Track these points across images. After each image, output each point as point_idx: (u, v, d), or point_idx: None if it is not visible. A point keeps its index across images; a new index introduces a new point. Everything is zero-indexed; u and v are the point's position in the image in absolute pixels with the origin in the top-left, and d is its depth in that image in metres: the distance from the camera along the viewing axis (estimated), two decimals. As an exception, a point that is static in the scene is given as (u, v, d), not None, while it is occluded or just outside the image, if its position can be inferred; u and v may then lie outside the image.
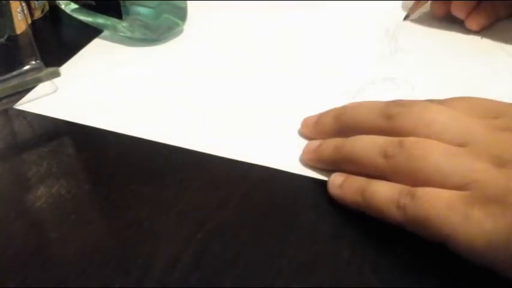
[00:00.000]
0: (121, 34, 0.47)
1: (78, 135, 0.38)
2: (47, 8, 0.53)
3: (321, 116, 0.35)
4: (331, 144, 0.33)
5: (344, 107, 0.35)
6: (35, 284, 0.27)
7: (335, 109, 0.35)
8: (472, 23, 0.45)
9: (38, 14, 0.51)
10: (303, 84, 0.42)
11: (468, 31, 0.46)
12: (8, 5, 0.47)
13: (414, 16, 0.48)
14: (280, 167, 0.34)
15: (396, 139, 0.30)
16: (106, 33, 0.49)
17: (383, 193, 0.29)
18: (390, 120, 0.31)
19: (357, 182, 0.30)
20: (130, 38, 0.47)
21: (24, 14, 0.47)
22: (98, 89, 0.42)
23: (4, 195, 0.33)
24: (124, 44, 0.47)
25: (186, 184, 0.33)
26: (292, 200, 0.32)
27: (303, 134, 0.36)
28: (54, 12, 0.53)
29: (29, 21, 0.50)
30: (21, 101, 0.41)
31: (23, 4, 0.48)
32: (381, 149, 0.30)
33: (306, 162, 0.34)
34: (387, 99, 0.34)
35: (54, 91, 0.42)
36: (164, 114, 0.39)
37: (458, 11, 0.45)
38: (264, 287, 0.27)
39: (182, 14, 0.48)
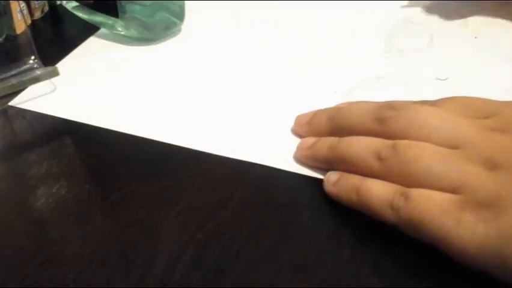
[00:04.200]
0: (118, 32, 0.47)
1: (78, 135, 0.38)
2: (47, 8, 0.53)
3: (315, 115, 0.36)
4: (326, 144, 0.33)
5: (336, 108, 0.35)
6: (35, 284, 0.27)
7: (327, 109, 0.35)
8: None
9: (38, 14, 0.51)
10: (299, 82, 0.42)
11: (462, 31, 0.46)
12: (8, 4, 0.47)
13: None
14: (281, 167, 0.34)
15: (390, 142, 0.30)
16: (104, 31, 0.49)
17: (377, 193, 0.29)
18: (382, 124, 0.31)
19: (352, 180, 0.30)
20: (128, 36, 0.47)
21: (23, 14, 0.47)
22: (97, 88, 0.42)
23: (4, 195, 0.33)
24: (123, 43, 0.47)
25: (186, 184, 0.33)
26: (292, 200, 0.32)
27: (295, 132, 0.36)
28: (54, 12, 0.53)
29: (29, 21, 0.50)
30: (20, 100, 0.41)
31: (22, 4, 0.48)
32: (375, 151, 0.30)
33: (299, 159, 0.34)
34: (381, 97, 0.35)
35: (53, 90, 0.42)
36: (164, 113, 0.39)
37: None
38: (264, 287, 0.27)
39: (179, 14, 0.48)
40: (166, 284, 0.27)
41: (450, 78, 0.41)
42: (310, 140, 0.34)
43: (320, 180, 0.32)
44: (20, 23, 0.47)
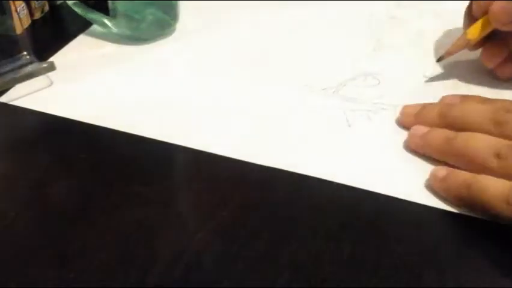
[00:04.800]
0: (110, 30, 0.47)
1: (77, 133, 0.38)
2: (47, 8, 0.53)
3: (424, 109, 0.36)
4: (441, 135, 0.33)
5: (447, 105, 0.35)
6: (36, 284, 0.27)
7: (437, 105, 0.36)
8: (504, 72, 0.41)
9: (38, 14, 0.52)
10: (288, 80, 0.42)
11: (452, 28, 0.46)
12: (8, 4, 0.47)
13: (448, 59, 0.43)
14: (280, 166, 0.34)
15: (510, 142, 0.31)
16: (100, 29, 0.49)
17: (493, 188, 0.29)
18: (500, 126, 0.32)
19: (463, 176, 0.31)
20: (120, 35, 0.47)
21: (18, 13, 0.48)
22: (94, 86, 0.42)
23: (4, 194, 0.33)
24: (119, 42, 0.47)
25: (186, 184, 0.33)
26: (292, 200, 0.32)
27: (401, 122, 0.37)
28: (54, 13, 0.53)
29: (29, 21, 0.50)
30: (16, 97, 0.41)
31: (21, 5, 0.48)
32: (495, 149, 0.31)
33: (410, 147, 0.34)
34: (369, 94, 0.39)
35: (49, 85, 0.42)
36: (164, 113, 0.39)
37: (487, 60, 0.41)
38: (264, 287, 0.27)
39: (173, 13, 0.48)
40: (166, 284, 0.27)
41: (438, 75, 0.42)
42: (422, 129, 0.34)
43: (320, 180, 0.32)
44: (19, 22, 0.47)
